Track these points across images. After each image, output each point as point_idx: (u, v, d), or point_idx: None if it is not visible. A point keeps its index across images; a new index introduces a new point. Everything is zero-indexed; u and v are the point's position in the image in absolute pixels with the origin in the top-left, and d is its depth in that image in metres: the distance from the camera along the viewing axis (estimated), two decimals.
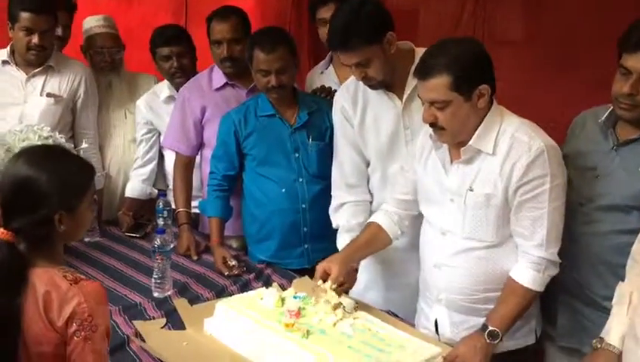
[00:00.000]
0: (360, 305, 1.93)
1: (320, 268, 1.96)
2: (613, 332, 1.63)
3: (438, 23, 3.42)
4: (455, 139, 1.80)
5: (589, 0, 2.95)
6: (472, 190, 1.80)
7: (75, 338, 1.29)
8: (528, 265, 1.77)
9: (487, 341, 1.73)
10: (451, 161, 1.85)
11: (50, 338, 1.31)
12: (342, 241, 2.21)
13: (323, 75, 2.86)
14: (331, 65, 2.86)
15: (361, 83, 2.13)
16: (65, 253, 1.47)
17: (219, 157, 2.52)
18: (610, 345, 1.63)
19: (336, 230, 2.28)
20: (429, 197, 1.93)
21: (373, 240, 2.07)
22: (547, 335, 2.00)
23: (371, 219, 2.11)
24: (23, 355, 1.32)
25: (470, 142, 1.78)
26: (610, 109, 1.83)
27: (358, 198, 2.26)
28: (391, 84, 2.12)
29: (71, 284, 1.31)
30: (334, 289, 1.88)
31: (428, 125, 1.80)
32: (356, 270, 2.08)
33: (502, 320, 1.75)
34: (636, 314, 1.58)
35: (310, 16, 2.96)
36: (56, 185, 1.34)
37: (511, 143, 1.74)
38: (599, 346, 1.65)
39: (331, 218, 2.30)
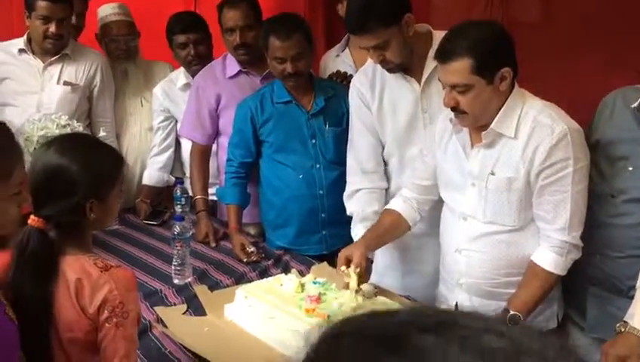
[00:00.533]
0: (379, 291, 1.93)
1: (342, 255, 1.95)
2: (638, 315, 1.62)
3: (452, 5, 3.38)
4: (477, 123, 1.78)
5: None
6: (493, 174, 1.78)
7: (107, 324, 1.31)
8: (550, 248, 1.75)
9: (509, 325, 1.72)
10: (472, 145, 1.83)
11: (81, 324, 1.32)
12: (356, 230, 2.18)
13: (338, 59, 2.83)
14: (347, 48, 2.83)
15: (378, 66, 2.10)
16: None
17: (236, 144, 2.52)
18: (635, 328, 1.62)
19: None
20: (450, 182, 1.92)
21: (393, 227, 2.06)
22: (575, 323, 1.98)
23: (390, 206, 2.09)
24: (55, 341, 1.33)
25: (492, 126, 1.75)
26: None
27: (374, 185, 2.24)
28: (409, 67, 2.10)
29: (102, 271, 1.32)
30: (358, 274, 1.87)
31: (447, 109, 1.79)
32: (371, 261, 2.07)
33: (523, 304, 1.74)
34: None
35: None
36: (88, 174, 1.35)
37: (533, 126, 1.72)
38: (623, 330, 1.64)
39: (345, 204, 2.28)
